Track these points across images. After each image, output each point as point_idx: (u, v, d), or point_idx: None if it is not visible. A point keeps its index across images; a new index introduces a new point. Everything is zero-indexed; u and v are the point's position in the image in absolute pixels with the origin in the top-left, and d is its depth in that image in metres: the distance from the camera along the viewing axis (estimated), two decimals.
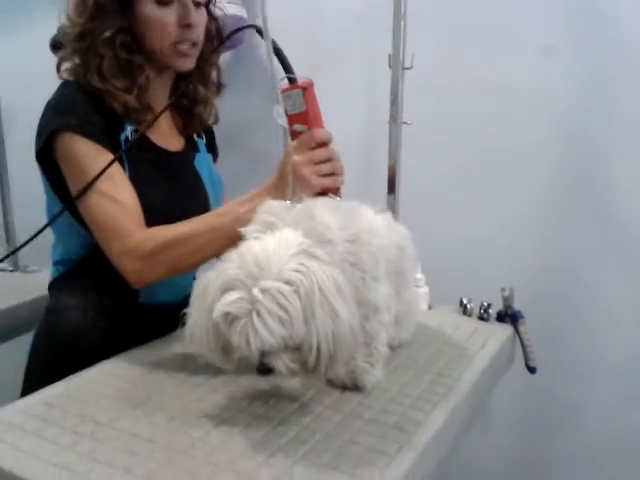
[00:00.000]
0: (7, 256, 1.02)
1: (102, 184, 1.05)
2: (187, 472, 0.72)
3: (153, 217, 1.09)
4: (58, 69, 1.15)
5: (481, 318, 1.25)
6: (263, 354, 0.76)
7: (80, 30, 1.10)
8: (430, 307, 1.34)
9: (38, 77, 1.19)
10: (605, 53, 1.32)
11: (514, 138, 1.43)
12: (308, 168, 0.97)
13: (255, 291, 0.73)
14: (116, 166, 1.07)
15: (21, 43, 1.99)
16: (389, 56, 1.24)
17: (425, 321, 1.23)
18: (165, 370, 1.00)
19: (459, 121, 1.47)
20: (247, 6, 1.58)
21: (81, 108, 1.08)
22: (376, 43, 1.29)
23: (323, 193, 0.99)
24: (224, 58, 1.65)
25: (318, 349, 0.76)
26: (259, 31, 1.05)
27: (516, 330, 1.21)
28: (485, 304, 1.25)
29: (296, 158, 0.97)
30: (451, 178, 1.51)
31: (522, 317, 1.22)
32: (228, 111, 1.68)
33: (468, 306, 1.28)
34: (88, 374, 1.00)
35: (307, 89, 0.99)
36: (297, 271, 0.76)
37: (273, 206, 0.86)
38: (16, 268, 1.96)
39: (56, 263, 1.22)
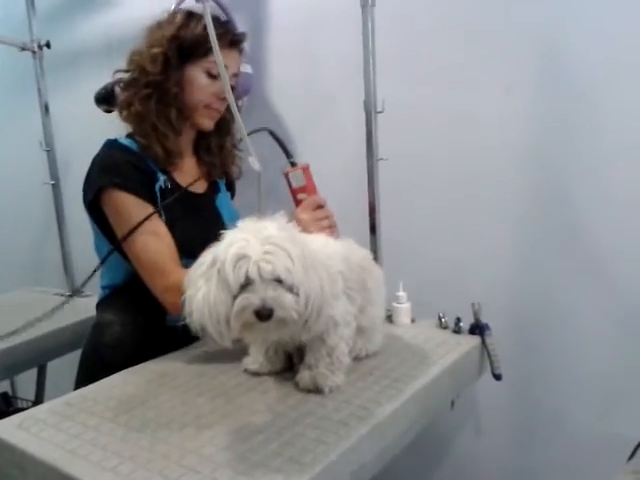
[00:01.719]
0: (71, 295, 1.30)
1: (145, 231, 1.28)
2: (163, 454, 0.90)
3: (181, 247, 1.31)
4: (120, 112, 1.39)
5: (455, 331, 1.39)
6: (266, 297, 0.90)
7: (149, 80, 1.33)
8: (413, 320, 1.48)
9: (88, 128, 1.42)
10: (559, 89, 1.44)
11: (483, 165, 1.56)
12: (314, 224, 1.27)
13: (262, 238, 0.92)
14: (156, 215, 1.30)
15: (74, 96, 2.26)
16: (363, 102, 1.42)
17: (401, 334, 1.38)
18: (167, 378, 1.19)
19: (433, 154, 1.62)
20: (252, 63, 1.80)
21: (124, 167, 1.31)
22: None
23: None
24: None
25: (307, 302, 0.93)
26: (271, 133, 1.42)
27: (483, 341, 1.33)
28: (459, 317, 1.38)
29: (303, 216, 1.27)
30: (428, 205, 1.66)
31: (489, 329, 1.34)
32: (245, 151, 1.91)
33: (443, 320, 1.41)
34: (105, 380, 1.21)
35: (305, 170, 1.37)
36: (291, 236, 0.96)
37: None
38: (73, 293, 2.25)
39: (103, 287, 1.45)
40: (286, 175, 1.39)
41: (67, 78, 2.31)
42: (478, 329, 1.35)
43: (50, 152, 2.14)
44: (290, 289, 0.93)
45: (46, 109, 2.08)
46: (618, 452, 1.09)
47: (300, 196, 1.37)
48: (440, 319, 1.42)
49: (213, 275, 0.95)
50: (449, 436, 1.76)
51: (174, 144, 1.37)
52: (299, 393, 1.09)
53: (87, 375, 1.38)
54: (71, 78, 2.31)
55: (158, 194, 1.34)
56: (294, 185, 1.38)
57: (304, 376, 1.10)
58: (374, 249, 1.52)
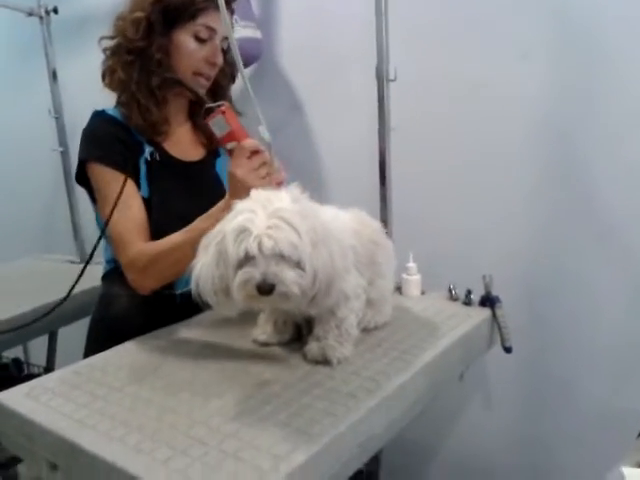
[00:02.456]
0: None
1: (116, 206, 1.25)
2: (170, 424, 0.90)
3: (176, 223, 1.29)
4: (103, 78, 1.35)
5: (466, 303, 1.37)
6: (267, 273, 0.88)
7: (132, 46, 1.29)
8: (423, 292, 1.47)
9: (97, 94, 1.40)
10: (577, 54, 1.40)
11: (497, 136, 1.52)
12: (249, 175, 1.12)
13: (269, 211, 0.90)
14: (130, 188, 1.28)
15: (82, 63, 2.22)
16: (375, 69, 1.39)
17: (411, 306, 1.37)
18: (177, 348, 1.19)
19: (445, 122, 1.58)
20: (261, 28, 1.75)
21: (105, 139, 1.29)
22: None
23: None
24: (247, 72, 1.85)
25: (315, 278, 0.91)
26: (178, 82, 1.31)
27: (493, 313, 1.32)
28: (469, 289, 1.37)
29: (237, 170, 1.13)
30: (440, 176, 1.63)
31: (499, 302, 1.32)
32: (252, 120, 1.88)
33: (453, 292, 1.40)
34: (115, 350, 1.21)
35: (226, 112, 1.15)
36: (302, 209, 0.93)
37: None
38: (83, 260, 2.25)
39: (108, 261, 1.44)
40: (207, 125, 1.19)
41: (75, 44, 2.27)
42: (489, 301, 1.34)
43: (59, 119, 2.13)
44: (297, 264, 0.92)
45: (54, 76, 2.06)
46: (629, 427, 1.08)
47: (229, 145, 1.16)
48: (450, 291, 1.40)
49: (213, 246, 0.94)
50: (458, 408, 1.77)
51: (157, 115, 1.33)
52: (307, 364, 1.08)
53: (96, 347, 1.39)
54: (79, 44, 2.26)
55: (144, 167, 1.31)
56: (218, 134, 1.17)
57: (312, 347, 1.09)
58: (384, 219, 1.50)
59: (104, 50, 1.35)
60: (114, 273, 1.40)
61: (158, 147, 1.36)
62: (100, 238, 1.32)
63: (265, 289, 0.90)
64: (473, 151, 1.57)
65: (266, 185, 1.10)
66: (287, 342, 1.17)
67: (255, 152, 1.14)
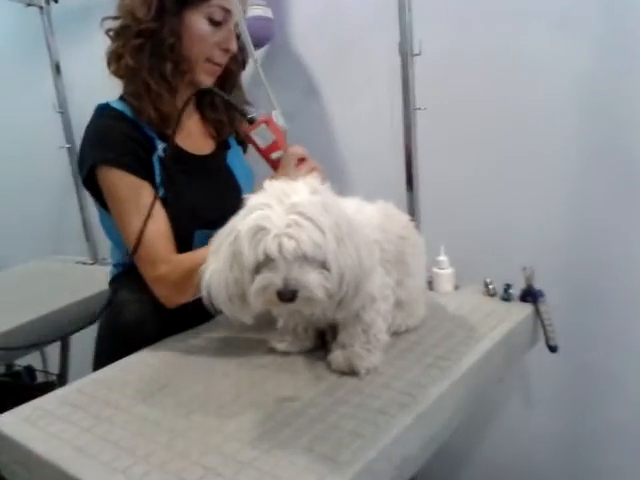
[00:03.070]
0: None
1: (139, 212, 1.15)
2: (181, 452, 0.80)
3: (191, 219, 1.19)
4: (109, 65, 1.22)
5: (505, 299, 1.25)
6: (289, 278, 0.78)
7: (141, 28, 1.16)
8: (457, 287, 1.35)
9: (103, 88, 1.30)
10: (619, 21, 1.25)
11: (534, 113, 1.38)
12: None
13: (286, 205, 0.80)
14: (150, 195, 1.16)
15: (86, 55, 2.13)
16: (398, 44, 1.26)
17: (444, 303, 1.25)
18: (188, 359, 1.10)
19: (477, 100, 1.44)
20: (272, 6, 1.63)
21: (116, 139, 1.17)
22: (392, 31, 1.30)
23: None
24: (258, 55, 1.73)
25: (342, 280, 0.81)
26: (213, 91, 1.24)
27: (536, 309, 1.20)
28: (508, 284, 1.25)
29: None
30: (473, 160, 1.50)
31: (542, 296, 1.20)
32: (264, 105, 1.76)
33: (490, 287, 1.28)
34: (120, 363, 1.12)
35: (269, 122, 1.13)
36: (323, 202, 0.83)
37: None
38: (95, 261, 2.17)
39: (116, 265, 1.34)
40: (248, 137, 1.18)
41: (78, 35, 2.17)
42: (531, 296, 1.22)
43: (64, 114, 2.03)
44: (322, 265, 0.81)
45: (57, 68, 1.96)
46: None
47: (274, 155, 1.15)
48: (487, 285, 1.28)
49: (225, 249, 0.84)
50: (497, 405, 1.64)
51: (170, 105, 1.21)
52: (332, 375, 0.98)
53: (105, 358, 1.29)
54: (83, 35, 2.16)
55: (157, 165, 1.20)
56: (261, 145, 1.16)
57: (337, 356, 0.99)
58: (411, 207, 1.38)
59: (107, 32, 1.22)
60: (123, 277, 1.31)
61: (169, 141, 1.24)
62: (133, 251, 1.21)
63: (287, 296, 0.80)
64: (509, 132, 1.43)
65: None
66: (309, 350, 1.07)
67: (302, 159, 1.11)
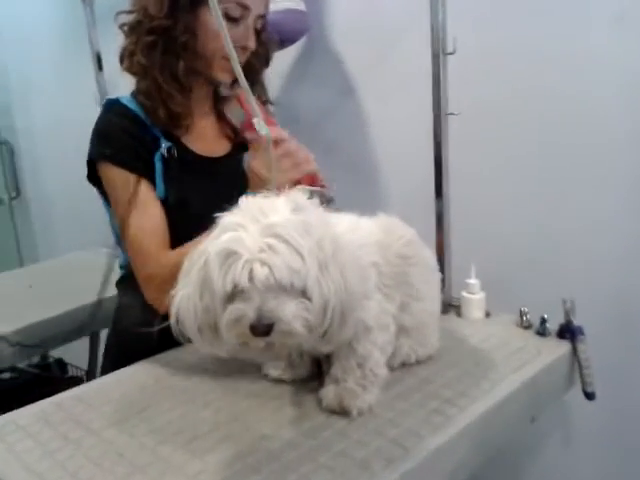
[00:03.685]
0: None
1: (131, 211, 1.10)
2: None
3: (196, 225, 1.12)
4: (121, 61, 1.19)
5: (540, 333, 1.10)
6: (262, 310, 0.69)
7: (154, 25, 1.11)
8: (488, 315, 1.21)
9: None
10: None
11: (584, 121, 1.20)
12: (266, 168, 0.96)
13: (262, 226, 0.70)
14: (146, 191, 1.12)
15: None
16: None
17: (470, 333, 1.12)
18: (176, 378, 1.03)
19: (518, 107, 1.27)
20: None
21: (117, 135, 1.13)
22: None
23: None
24: (294, 50, 1.63)
25: (325, 309, 0.72)
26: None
27: (574, 348, 1.05)
28: (544, 317, 1.10)
29: (253, 162, 0.99)
30: (511, 171, 1.33)
31: (582, 334, 1.05)
32: (300, 102, 1.66)
33: (525, 317, 1.13)
34: (111, 377, 1.07)
35: (240, 97, 1.04)
36: (304, 221, 0.73)
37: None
38: None
39: (122, 266, 1.30)
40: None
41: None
42: (569, 333, 1.06)
43: None
44: (301, 293, 0.71)
45: (99, 61, 1.94)
46: None
47: (249, 135, 1.04)
48: (522, 315, 1.14)
49: (195, 273, 0.75)
50: (530, 446, 1.48)
51: (181, 105, 1.16)
52: (321, 414, 0.88)
53: (108, 364, 1.26)
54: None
55: (159, 164, 1.14)
56: (236, 123, 1.07)
57: (328, 392, 0.88)
58: (439, 217, 1.25)
59: (121, 26, 1.17)
60: (128, 280, 1.26)
61: (177, 142, 1.19)
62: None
63: (261, 330, 0.70)
64: (553, 140, 1.26)
65: (290, 179, 0.96)
66: (304, 380, 0.97)
67: (276, 142, 0.96)
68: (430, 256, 1.00)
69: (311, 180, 0.99)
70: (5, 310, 1.68)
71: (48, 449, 0.84)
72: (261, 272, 0.69)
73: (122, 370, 1.09)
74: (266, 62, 1.26)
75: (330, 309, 0.73)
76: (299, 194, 0.79)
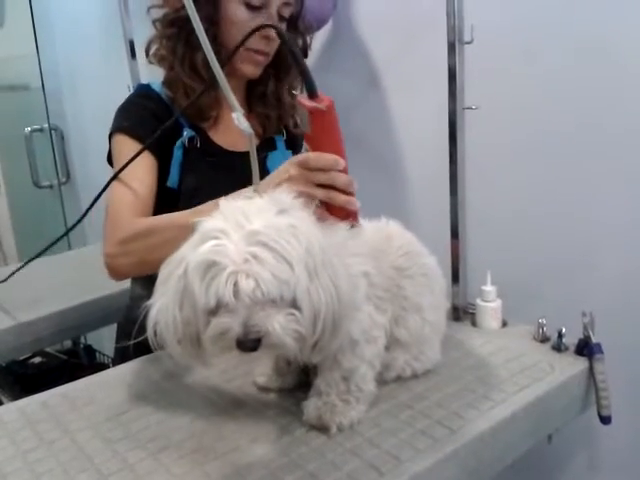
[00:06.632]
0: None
1: (127, 179, 1.07)
2: None
3: None
4: (147, 53, 1.19)
5: (555, 348, 1.01)
6: (249, 324, 0.64)
7: (175, 17, 1.11)
8: (505, 324, 1.13)
9: None
10: None
11: (618, 120, 1.08)
12: (304, 185, 0.82)
13: (245, 232, 0.65)
14: (146, 162, 1.08)
15: None
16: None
17: (481, 345, 1.05)
18: (164, 382, 1.00)
19: (544, 100, 1.16)
20: None
21: (139, 112, 1.13)
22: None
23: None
24: (321, 39, 1.57)
25: (316, 319, 0.66)
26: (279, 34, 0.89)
27: (590, 367, 0.95)
28: (561, 330, 1.01)
29: (292, 172, 0.85)
30: (533, 170, 1.22)
31: (600, 353, 0.95)
32: (325, 94, 1.59)
33: (542, 329, 1.04)
34: (99, 376, 1.05)
35: (314, 114, 0.81)
36: (292, 225, 0.67)
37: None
38: None
39: None
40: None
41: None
42: (587, 349, 0.97)
43: None
44: (291, 303, 0.66)
45: (132, 49, 1.93)
46: None
47: (304, 147, 0.92)
48: (540, 327, 1.05)
49: (174, 282, 0.70)
50: (552, 467, 1.38)
51: (206, 99, 1.14)
52: (301, 428, 0.83)
53: (118, 356, 1.29)
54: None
55: (178, 152, 1.12)
56: (302, 126, 0.85)
57: (309, 405, 0.83)
58: (454, 216, 1.17)
59: (153, 22, 1.17)
60: None
61: (201, 132, 1.17)
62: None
63: (248, 345, 0.64)
64: (585, 140, 1.14)
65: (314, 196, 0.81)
66: (291, 389, 0.92)
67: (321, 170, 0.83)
68: (431, 264, 0.93)
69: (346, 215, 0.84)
70: (51, 293, 1.66)
71: (22, 449, 0.83)
72: (247, 285, 0.62)
73: (104, 372, 1.08)
74: (304, 52, 1.21)
75: (321, 319, 0.67)
76: (283, 194, 0.73)
